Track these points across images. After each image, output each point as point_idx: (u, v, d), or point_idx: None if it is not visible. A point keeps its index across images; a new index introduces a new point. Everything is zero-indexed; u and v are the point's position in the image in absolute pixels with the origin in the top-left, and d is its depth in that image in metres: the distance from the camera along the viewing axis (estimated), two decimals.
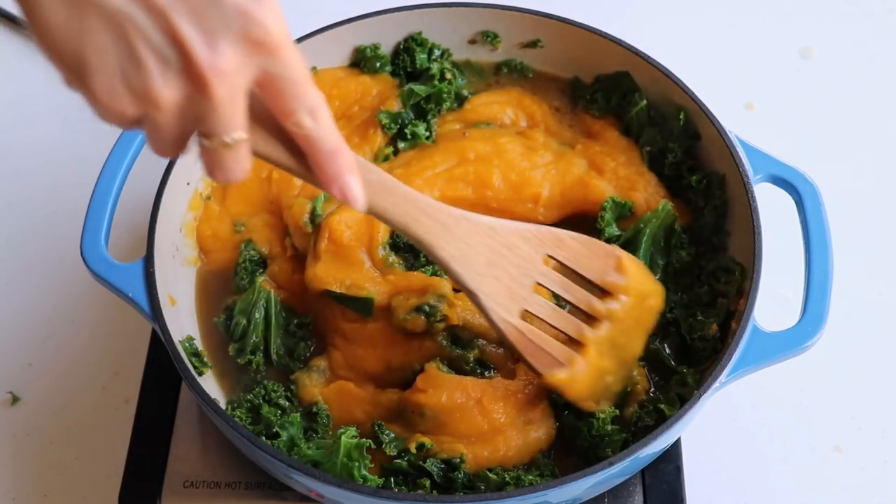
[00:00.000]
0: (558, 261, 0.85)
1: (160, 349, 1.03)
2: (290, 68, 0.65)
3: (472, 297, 0.83)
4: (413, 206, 0.79)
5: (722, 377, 0.86)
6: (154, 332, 1.05)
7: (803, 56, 1.35)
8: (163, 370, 1.02)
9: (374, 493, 0.82)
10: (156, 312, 0.91)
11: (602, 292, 0.86)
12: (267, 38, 0.62)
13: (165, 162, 0.98)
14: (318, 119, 0.68)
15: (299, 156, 0.71)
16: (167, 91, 0.62)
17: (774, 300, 1.11)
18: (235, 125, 0.65)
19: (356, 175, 0.72)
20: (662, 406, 0.89)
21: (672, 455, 0.97)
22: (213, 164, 0.67)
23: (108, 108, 0.63)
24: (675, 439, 0.93)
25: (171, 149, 0.67)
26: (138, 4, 0.60)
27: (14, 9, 1.37)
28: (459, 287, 0.84)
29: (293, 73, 0.65)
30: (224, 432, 0.90)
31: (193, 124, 0.65)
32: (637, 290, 0.87)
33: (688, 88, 1.01)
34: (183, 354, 0.90)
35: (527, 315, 0.84)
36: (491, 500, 0.82)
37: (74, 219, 1.17)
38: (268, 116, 0.69)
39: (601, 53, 1.07)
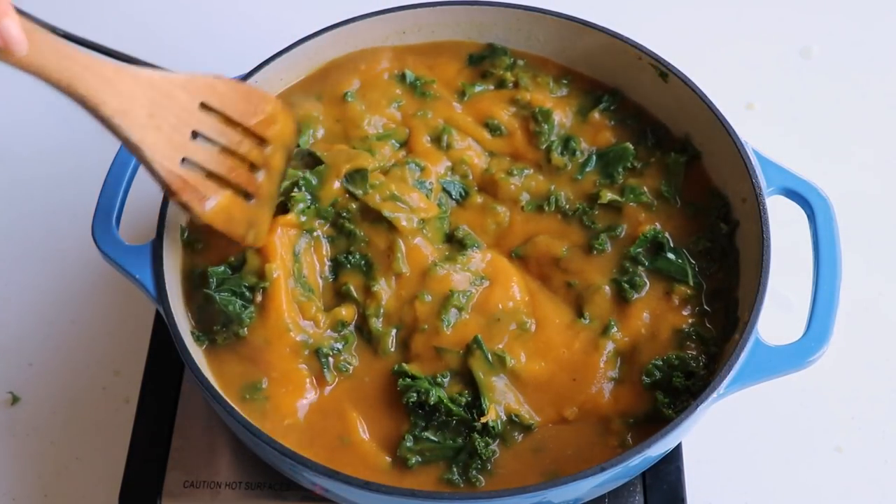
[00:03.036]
0: (212, 107, 0.89)
1: (160, 349, 1.04)
2: None
3: (137, 151, 0.85)
4: (75, 62, 0.80)
5: (721, 389, 0.86)
6: (154, 332, 1.05)
7: (803, 56, 1.35)
8: (163, 370, 1.02)
9: (377, 489, 0.83)
10: (161, 294, 0.91)
11: (257, 137, 0.92)
12: None
13: None
14: None
15: None
16: None
17: (774, 300, 1.12)
18: None
19: (14, 19, 0.73)
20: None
21: (672, 455, 0.97)
22: None
23: None
24: (673, 447, 0.93)
25: None
26: None
27: (18, 2, 1.37)
28: (123, 142, 0.85)
29: None
30: (226, 422, 0.90)
31: None
32: (284, 131, 0.94)
33: (704, 95, 1.02)
34: (186, 340, 0.90)
35: (186, 162, 0.88)
36: (491, 500, 0.82)
37: (75, 219, 1.18)
38: None
39: (608, 54, 1.08)
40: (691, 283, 0.97)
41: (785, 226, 1.01)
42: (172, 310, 0.91)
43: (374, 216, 0.98)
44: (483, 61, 1.13)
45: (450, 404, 0.90)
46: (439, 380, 0.92)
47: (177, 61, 1.26)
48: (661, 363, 0.92)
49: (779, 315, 1.08)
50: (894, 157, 1.27)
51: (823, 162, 1.24)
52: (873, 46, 1.36)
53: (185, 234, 0.99)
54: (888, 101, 1.31)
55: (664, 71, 1.05)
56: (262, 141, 0.93)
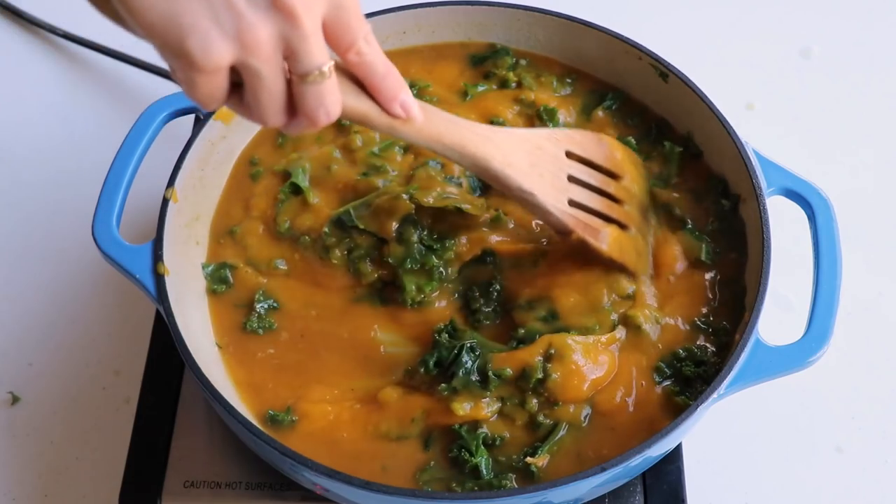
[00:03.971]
0: (576, 155, 0.95)
1: (160, 349, 1.04)
2: (351, 4, 0.72)
3: (529, 196, 0.90)
4: (461, 126, 0.86)
5: (721, 389, 0.86)
6: (154, 332, 1.05)
7: (803, 56, 1.36)
8: (163, 370, 1.02)
9: (377, 489, 0.83)
10: (161, 294, 0.91)
11: (610, 174, 0.97)
12: None
13: (180, 148, 0.99)
14: (371, 44, 0.75)
15: (363, 93, 0.78)
16: (261, 30, 0.67)
17: (774, 300, 1.12)
18: (324, 55, 0.71)
19: (409, 93, 0.79)
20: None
21: (673, 455, 0.97)
22: (315, 103, 0.73)
23: (204, 60, 0.67)
24: (673, 447, 0.93)
25: (276, 104, 0.72)
26: None
27: (17, 1, 1.38)
28: (514, 193, 0.90)
29: (353, 8, 0.72)
30: (226, 422, 0.90)
31: (290, 67, 0.71)
32: (629, 164, 0.99)
33: (704, 95, 1.02)
34: (186, 340, 0.90)
35: (571, 202, 0.93)
36: (491, 500, 0.82)
37: (75, 219, 1.18)
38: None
39: (608, 54, 1.08)
40: (704, 258, 0.98)
41: (785, 226, 1.01)
42: (174, 310, 0.91)
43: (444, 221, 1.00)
44: (485, 62, 1.13)
45: None
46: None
47: None
48: (668, 357, 0.93)
49: (779, 315, 1.09)
50: (894, 157, 1.27)
51: (823, 162, 1.24)
52: (873, 46, 1.36)
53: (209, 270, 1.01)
54: (888, 101, 1.31)
55: (664, 71, 1.05)
56: (617, 178, 0.98)
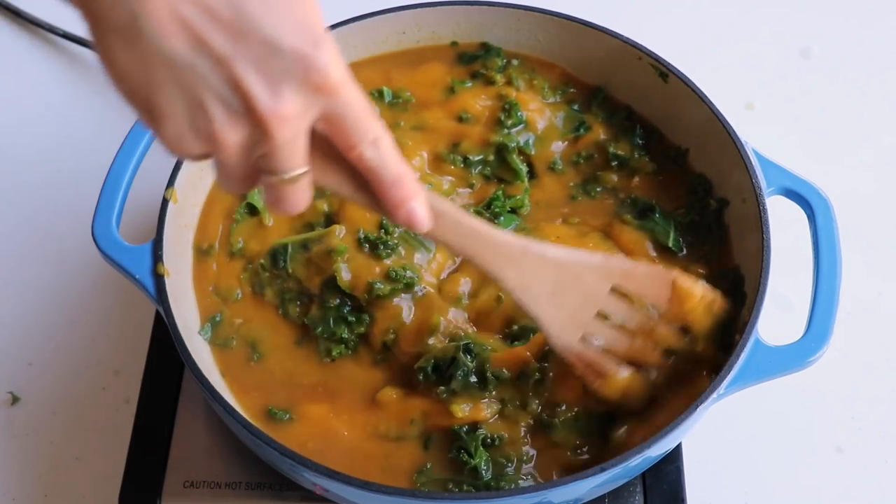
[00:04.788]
0: (625, 292, 0.87)
1: (160, 349, 1.04)
2: (351, 106, 0.67)
3: (536, 320, 0.86)
4: (477, 240, 0.81)
5: (721, 389, 0.86)
6: (154, 332, 1.05)
7: (803, 56, 1.35)
8: (163, 370, 1.02)
9: (377, 489, 0.82)
10: (161, 294, 0.91)
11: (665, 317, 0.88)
12: (326, 81, 0.64)
13: None
14: (380, 149, 0.70)
15: (364, 185, 0.72)
16: (232, 135, 0.65)
17: (774, 300, 1.12)
18: (296, 164, 0.67)
19: (421, 200, 0.73)
20: None
21: (672, 455, 0.97)
22: (275, 198, 0.70)
23: (177, 149, 0.67)
24: (673, 447, 0.93)
25: (238, 186, 0.70)
26: (202, 55, 0.62)
27: (17, 1, 1.38)
28: (523, 309, 0.86)
29: (354, 111, 0.67)
30: (226, 422, 0.90)
31: (257, 162, 0.67)
32: (699, 314, 0.88)
33: (704, 95, 1.02)
34: (186, 340, 0.90)
35: (586, 337, 0.87)
36: (491, 500, 0.82)
37: (75, 219, 1.18)
38: (331, 149, 0.71)
39: (608, 54, 1.08)
40: (671, 245, 0.99)
41: (785, 226, 1.01)
42: (173, 310, 0.91)
43: None
44: (475, 61, 1.12)
45: None
46: None
47: None
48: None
49: (779, 315, 1.08)
50: (894, 157, 1.27)
51: (823, 162, 1.24)
52: (873, 46, 1.36)
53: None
54: (888, 101, 1.31)
55: (664, 71, 1.05)
56: (675, 320, 0.89)
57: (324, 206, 1.01)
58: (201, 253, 1.01)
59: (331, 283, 0.96)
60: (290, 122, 0.64)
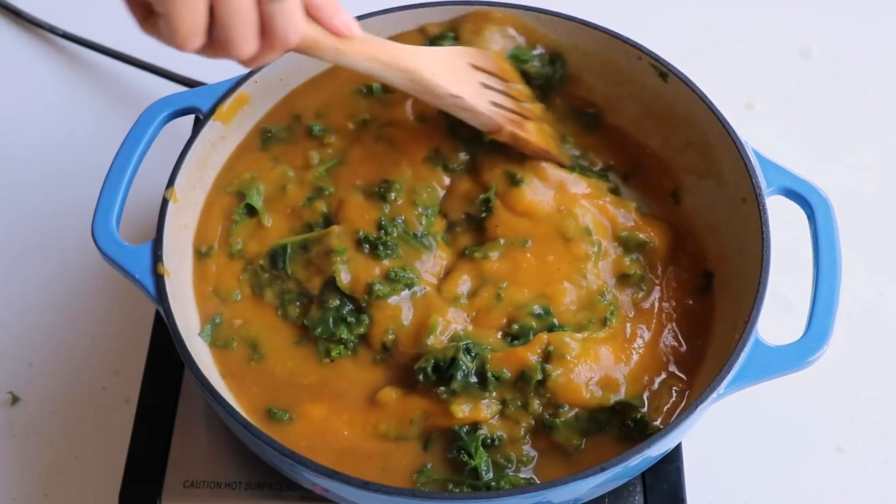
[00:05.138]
0: (478, 66, 1.03)
1: (160, 349, 1.04)
2: None
3: (459, 101, 0.97)
4: (391, 45, 0.94)
5: (721, 389, 0.86)
6: (154, 332, 1.05)
7: (803, 56, 1.35)
8: (163, 370, 1.02)
9: (377, 489, 0.82)
10: (161, 294, 0.91)
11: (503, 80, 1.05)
12: None
13: (180, 148, 0.99)
14: None
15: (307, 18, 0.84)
16: None
17: (774, 300, 1.12)
18: None
19: (349, 13, 0.87)
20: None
21: (672, 455, 0.97)
22: (286, 22, 0.79)
23: (185, 18, 0.74)
24: (673, 447, 0.93)
25: (249, 32, 0.78)
26: None
27: (17, 1, 1.38)
28: (445, 101, 0.97)
29: None
30: (226, 422, 0.91)
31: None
32: (513, 71, 1.07)
33: (704, 95, 1.02)
34: (186, 340, 0.90)
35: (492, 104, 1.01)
36: (491, 500, 0.82)
37: (75, 219, 1.18)
38: None
39: (608, 54, 1.08)
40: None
41: (785, 226, 1.01)
42: (173, 310, 0.91)
43: None
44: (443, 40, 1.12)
45: None
46: None
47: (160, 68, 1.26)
48: None
49: (779, 315, 1.08)
50: (894, 157, 1.27)
51: (823, 162, 1.24)
52: (873, 46, 1.36)
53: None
54: (888, 101, 1.31)
55: (664, 71, 1.05)
56: (509, 82, 1.05)
57: (322, 207, 1.01)
58: (201, 255, 1.01)
59: (330, 284, 0.96)
60: None
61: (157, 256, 0.93)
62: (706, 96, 1.02)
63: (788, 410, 1.07)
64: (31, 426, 1.08)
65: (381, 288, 0.95)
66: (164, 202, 0.96)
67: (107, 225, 0.95)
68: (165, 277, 0.92)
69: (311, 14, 0.84)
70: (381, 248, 0.97)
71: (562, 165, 1.03)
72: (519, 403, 0.91)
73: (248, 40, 0.78)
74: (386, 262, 0.96)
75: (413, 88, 0.96)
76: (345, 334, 0.96)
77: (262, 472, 0.95)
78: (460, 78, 0.99)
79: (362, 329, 0.96)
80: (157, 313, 1.07)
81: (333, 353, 0.96)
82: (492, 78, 1.03)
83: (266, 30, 0.79)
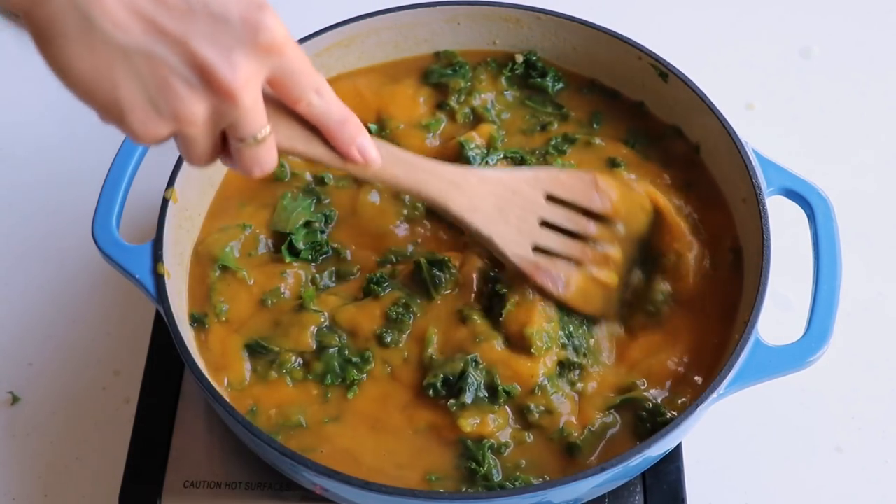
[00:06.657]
0: (558, 197, 0.94)
1: (160, 349, 1.04)
2: (295, 62, 0.72)
3: (489, 243, 0.91)
4: (422, 170, 0.87)
5: (721, 389, 0.86)
6: (154, 332, 1.05)
7: (803, 56, 1.35)
8: (163, 370, 1.02)
9: (377, 489, 0.83)
10: (161, 294, 0.91)
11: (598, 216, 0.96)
12: (274, 41, 0.69)
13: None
14: (324, 96, 0.76)
15: (315, 137, 0.79)
16: (197, 108, 0.69)
17: (774, 300, 1.12)
18: (261, 123, 0.72)
19: (368, 137, 0.81)
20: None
21: (672, 455, 0.97)
22: (250, 162, 0.74)
23: (144, 136, 0.70)
24: (673, 447, 0.93)
25: (205, 158, 0.74)
26: (159, 40, 0.66)
27: None
28: (473, 235, 0.92)
29: (298, 66, 0.72)
30: (227, 423, 0.91)
31: (226, 130, 0.72)
32: (627, 204, 0.97)
33: (704, 95, 1.02)
34: (186, 339, 0.90)
35: (537, 248, 0.93)
36: (491, 500, 0.82)
37: (75, 219, 1.18)
38: (280, 106, 0.77)
39: (607, 54, 1.08)
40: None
41: (785, 226, 1.01)
42: (174, 310, 0.91)
43: None
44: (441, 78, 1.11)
45: None
46: None
47: None
48: None
49: (779, 315, 1.08)
50: (894, 157, 1.27)
51: (823, 162, 1.24)
52: (873, 46, 1.36)
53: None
54: (888, 101, 1.31)
55: (664, 71, 1.05)
56: (607, 220, 0.96)
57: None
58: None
59: (321, 330, 0.95)
60: (249, 84, 0.69)
61: (157, 256, 0.93)
62: (706, 96, 1.02)
63: (788, 410, 1.07)
64: (31, 426, 1.08)
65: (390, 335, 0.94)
66: (164, 202, 0.96)
67: (107, 225, 0.95)
68: (165, 277, 0.93)
69: (327, 138, 0.79)
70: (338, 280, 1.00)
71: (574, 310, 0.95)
72: (519, 427, 0.91)
73: (203, 162, 0.75)
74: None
75: (440, 213, 0.93)
76: (355, 375, 0.93)
77: (262, 472, 0.95)
78: (508, 214, 0.92)
79: (371, 365, 0.94)
80: (157, 313, 1.07)
81: (349, 395, 0.93)
82: (569, 214, 0.95)
83: (232, 159, 0.75)
